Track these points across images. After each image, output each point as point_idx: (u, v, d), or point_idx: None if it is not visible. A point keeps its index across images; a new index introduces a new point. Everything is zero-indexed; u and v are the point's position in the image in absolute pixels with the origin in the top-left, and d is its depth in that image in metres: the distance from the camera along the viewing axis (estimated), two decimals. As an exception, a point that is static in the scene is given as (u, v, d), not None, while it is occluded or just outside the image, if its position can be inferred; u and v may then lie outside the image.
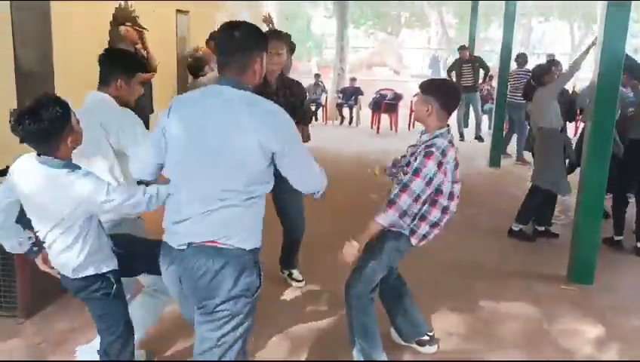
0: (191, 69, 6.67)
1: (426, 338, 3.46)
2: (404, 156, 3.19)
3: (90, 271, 2.49)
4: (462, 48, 11.38)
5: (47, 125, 2.24)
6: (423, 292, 4.14)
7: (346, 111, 13.68)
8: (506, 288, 4.43)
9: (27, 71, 5.14)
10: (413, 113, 12.92)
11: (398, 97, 12.86)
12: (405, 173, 2.92)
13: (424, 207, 2.95)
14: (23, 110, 2.26)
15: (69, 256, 2.44)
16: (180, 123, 2.20)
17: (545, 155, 5.42)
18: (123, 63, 2.91)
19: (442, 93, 2.97)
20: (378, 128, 12.43)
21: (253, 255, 2.22)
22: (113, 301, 2.58)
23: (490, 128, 11.36)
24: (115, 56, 2.97)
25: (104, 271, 2.53)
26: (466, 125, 12.19)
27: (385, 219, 2.83)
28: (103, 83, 2.86)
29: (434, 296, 4.16)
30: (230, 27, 2.27)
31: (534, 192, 5.52)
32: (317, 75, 14.40)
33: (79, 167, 2.37)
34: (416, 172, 2.81)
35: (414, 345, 3.46)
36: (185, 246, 2.18)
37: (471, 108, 11.58)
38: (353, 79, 14.34)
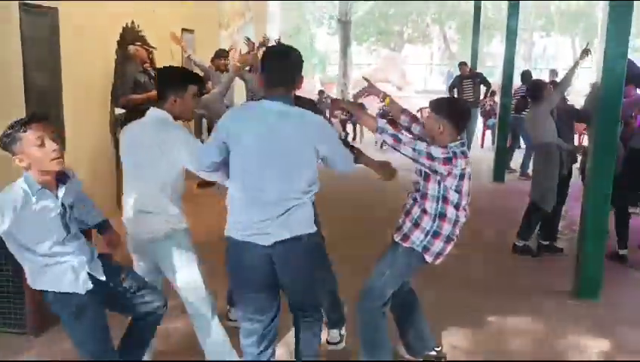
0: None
1: (434, 353, 3.47)
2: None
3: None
4: (462, 64, 11.43)
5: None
6: (429, 307, 4.15)
7: (349, 126, 13.75)
8: (512, 303, 4.43)
9: (36, 88, 5.20)
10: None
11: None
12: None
13: (435, 223, 3.01)
14: None
15: None
16: (247, 135, 2.56)
17: (537, 170, 5.48)
18: (173, 80, 3.01)
19: (454, 113, 3.03)
20: (382, 143, 12.47)
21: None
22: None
23: (493, 143, 11.41)
24: (165, 74, 3.13)
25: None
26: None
27: (380, 127, 2.99)
28: (160, 99, 2.99)
29: (440, 311, 4.17)
30: (281, 51, 2.73)
31: (531, 207, 5.54)
32: (321, 92, 14.49)
33: None
34: (427, 152, 2.92)
35: (421, 360, 3.47)
36: (273, 243, 2.59)
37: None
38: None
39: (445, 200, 2.99)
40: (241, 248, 2.64)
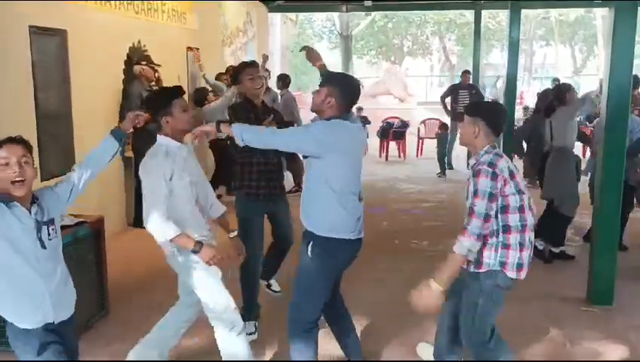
0: (196, 100, 7.43)
1: None
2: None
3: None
4: (465, 73, 11.36)
5: None
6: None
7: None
8: (526, 310, 4.43)
9: (47, 108, 5.26)
10: (421, 140, 13.03)
11: (405, 125, 12.97)
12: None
13: (500, 238, 2.84)
14: None
15: None
16: (343, 145, 2.96)
17: (557, 172, 5.46)
18: (155, 103, 3.12)
19: (490, 114, 3.00)
20: (387, 156, 12.52)
21: None
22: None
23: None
24: (149, 100, 3.29)
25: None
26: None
27: (461, 246, 2.74)
28: (156, 124, 3.09)
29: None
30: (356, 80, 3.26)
31: (554, 212, 5.53)
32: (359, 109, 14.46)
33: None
34: (475, 194, 2.76)
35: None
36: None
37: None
38: (360, 109, 14.44)
39: (504, 210, 2.82)
40: (353, 246, 3.06)
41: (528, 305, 4.53)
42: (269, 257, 4.38)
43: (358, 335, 3.54)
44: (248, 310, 3.98)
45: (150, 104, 3.17)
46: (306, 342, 3.10)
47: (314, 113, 3.13)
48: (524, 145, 9.53)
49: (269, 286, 4.52)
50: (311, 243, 3.02)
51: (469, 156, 10.88)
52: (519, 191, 2.84)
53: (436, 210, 7.88)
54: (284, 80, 9.08)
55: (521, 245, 2.86)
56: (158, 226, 2.92)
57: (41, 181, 5.15)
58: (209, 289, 3.10)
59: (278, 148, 3.13)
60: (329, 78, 3.11)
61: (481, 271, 2.88)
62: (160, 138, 3.09)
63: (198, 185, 3.17)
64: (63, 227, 3.90)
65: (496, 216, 2.81)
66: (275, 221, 4.21)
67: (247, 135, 2.93)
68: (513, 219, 2.82)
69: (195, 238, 2.98)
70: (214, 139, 5.14)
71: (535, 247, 5.46)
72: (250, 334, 3.82)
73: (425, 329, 4.07)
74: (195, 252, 2.94)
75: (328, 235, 2.98)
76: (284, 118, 4.56)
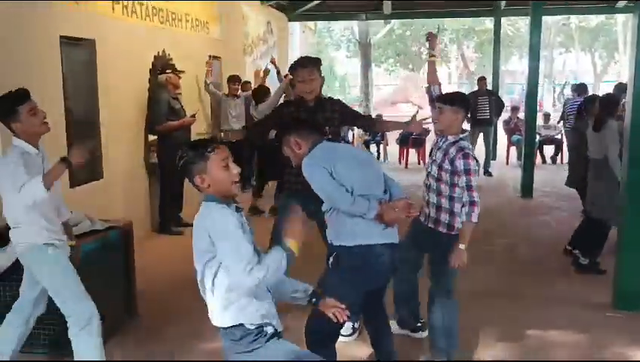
0: (256, 96, 7.71)
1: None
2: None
3: None
4: (481, 80, 11.37)
5: None
6: (469, 321, 4.18)
7: (373, 147, 13.81)
8: (552, 317, 4.42)
9: (76, 117, 5.38)
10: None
11: (424, 132, 12.95)
12: (434, 176, 3.46)
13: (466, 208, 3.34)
14: None
15: None
16: (343, 152, 3.12)
17: (606, 186, 5.24)
18: (2, 110, 3.19)
19: (467, 105, 3.54)
20: (406, 163, 12.53)
21: None
22: None
23: (519, 159, 11.37)
24: None
25: None
26: (494, 157, 12.24)
27: (476, 216, 3.28)
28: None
29: (479, 324, 4.20)
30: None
31: (596, 224, 5.39)
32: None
33: None
34: (468, 172, 3.30)
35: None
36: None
37: (480, 141, 11.03)
38: (379, 116, 14.49)
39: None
40: (386, 252, 3.02)
41: (553, 311, 4.53)
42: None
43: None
44: None
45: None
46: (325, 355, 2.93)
47: None
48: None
49: None
50: (338, 255, 3.00)
51: (486, 163, 10.93)
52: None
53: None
54: None
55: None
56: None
57: (70, 187, 5.28)
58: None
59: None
60: (281, 133, 3.22)
61: (453, 233, 3.41)
62: (15, 140, 3.15)
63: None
64: (93, 231, 4.04)
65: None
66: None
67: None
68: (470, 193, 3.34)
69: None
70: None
71: (580, 263, 5.44)
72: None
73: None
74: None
75: (354, 243, 2.95)
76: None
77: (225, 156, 2.31)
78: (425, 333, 3.86)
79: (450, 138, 3.44)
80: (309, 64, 4.10)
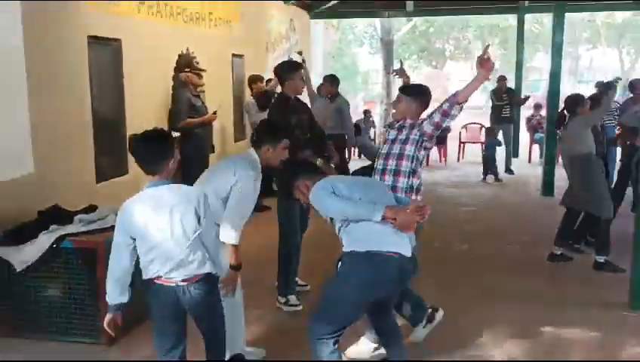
0: (261, 101, 7.57)
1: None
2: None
3: None
4: (501, 79, 11.38)
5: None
6: (484, 319, 4.24)
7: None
8: (567, 315, 4.45)
9: (102, 115, 5.54)
10: (463, 145, 13.01)
11: (446, 129, 12.92)
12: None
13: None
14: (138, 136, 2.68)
15: None
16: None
17: (588, 179, 5.46)
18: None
19: (424, 95, 3.88)
20: (428, 160, 12.49)
21: None
22: None
23: (541, 157, 11.31)
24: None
25: None
26: (516, 155, 12.20)
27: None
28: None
29: (494, 322, 4.25)
30: None
31: (593, 221, 5.54)
32: (366, 112, 14.60)
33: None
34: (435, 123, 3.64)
35: None
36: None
37: (501, 138, 11.05)
38: (367, 111, 14.49)
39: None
40: (394, 264, 3.00)
41: (568, 309, 4.55)
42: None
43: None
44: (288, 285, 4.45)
45: None
46: (325, 353, 3.04)
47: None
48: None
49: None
50: (346, 260, 3.04)
51: (507, 161, 10.89)
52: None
53: (476, 214, 7.89)
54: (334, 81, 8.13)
55: None
56: None
57: (97, 183, 5.45)
58: None
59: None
60: (290, 180, 3.41)
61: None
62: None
63: None
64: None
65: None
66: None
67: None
68: None
69: None
70: None
71: (597, 262, 5.50)
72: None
73: (462, 330, 4.15)
74: None
75: (364, 249, 2.96)
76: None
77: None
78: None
79: (408, 121, 3.80)
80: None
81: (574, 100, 5.79)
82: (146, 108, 6.25)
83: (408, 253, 3.01)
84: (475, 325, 4.22)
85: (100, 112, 5.50)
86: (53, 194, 4.55)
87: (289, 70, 4.63)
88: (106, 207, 4.28)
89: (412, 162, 3.67)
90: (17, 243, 3.89)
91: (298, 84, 4.60)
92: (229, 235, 3.14)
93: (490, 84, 12.95)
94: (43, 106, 4.66)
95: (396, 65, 4.69)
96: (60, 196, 4.55)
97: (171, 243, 2.64)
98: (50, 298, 3.92)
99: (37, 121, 4.58)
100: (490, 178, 10.37)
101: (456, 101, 3.52)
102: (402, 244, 2.99)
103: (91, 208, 4.38)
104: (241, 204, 3.20)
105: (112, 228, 4.01)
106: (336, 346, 3.04)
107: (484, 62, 3.47)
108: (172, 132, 6.67)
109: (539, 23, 27.40)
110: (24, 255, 3.86)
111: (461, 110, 3.57)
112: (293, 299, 4.51)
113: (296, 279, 4.75)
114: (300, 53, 7.77)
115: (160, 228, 2.64)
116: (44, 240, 3.86)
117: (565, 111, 5.95)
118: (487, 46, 3.81)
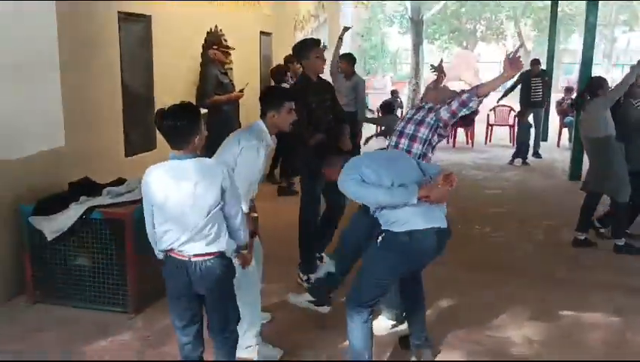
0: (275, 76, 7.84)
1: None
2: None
3: None
4: (534, 62, 11.17)
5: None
6: (506, 303, 4.27)
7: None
8: (587, 299, 4.45)
9: (132, 90, 5.64)
10: (491, 127, 12.88)
11: (474, 111, 12.80)
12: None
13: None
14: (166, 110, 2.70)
15: None
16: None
17: (607, 162, 5.44)
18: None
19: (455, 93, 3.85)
20: (454, 142, 12.44)
21: None
22: None
23: (570, 141, 11.15)
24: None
25: None
26: (545, 139, 12.04)
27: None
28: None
29: (516, 306, 4.28)
30: None
31: (596, 199, 5.67)
32: (394, 92, 14.54)
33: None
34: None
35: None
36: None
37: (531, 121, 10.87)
38: (394, 92, 14.38)
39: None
40: (425, 238, 3.08)
41: (589, 293, 4.55)
42: (322, 227, 4.71)
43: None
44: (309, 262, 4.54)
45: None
46: (359, 321, 3.16)
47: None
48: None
49: (320, 258, 4.75)
50: (385, 237, 3.11)
51: (536, 144, 10.76)
52: None
53: (500, 197, 7.86)
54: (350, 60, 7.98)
55: None
56: None
57: (126, 157, 5.58)
58: None
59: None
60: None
61: None
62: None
63: None
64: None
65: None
66: (330, 188, 4.32)
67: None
68: None
69: None
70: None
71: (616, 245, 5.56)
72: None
73: (482, 310, 4.19)
74: None
75: (400, 230, 3.03)
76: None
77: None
78: None
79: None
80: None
81: (598, 83, 5.67)
82: (174, 84, 6.33)
83: (444, 225, 3.11)
84: (495, 306, 4.26)
85: (129, 88, 5.60)
86: (83, 168, 4.67)
87: (304, 49, 4.56)
88: (134, 180, 4.39)
89: (423, 145, 3.68)
90: (49, 214, 4.03)
91: (316, 63, 4.52)
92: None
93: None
94: (74, 82, 4.76)
95: (435, 63, 4.60)
96: (89, 169, 4.67)
97: (189, 216, 2.66)
98: (79, 267, 4.05)
99: (68, 96, 4.69)
100: (518, 161, 10.29)
101: (477, 93, 3.51)
102: (438, 218, 3.08)
103: (120, 181, 4.51)
104: (245, 171, 3.21)
105: (140, 200, 4.18)
106: (371, 316, 3.18)
107: (514, 62, 3.40)
108: (200, 108, 6.80)
109: (573, 4, 26.72)
110: (55, 224, 3.99)
111: (480, 103, 3.56)
112: (314, 277, 4.57)
113: (322, 255, 4.80)
114: (346, 28, 7.64)
115: (180, 201, 2.66)
116: (74, 211, 3.99)
117: (586, 93, 5.81)
118: (521, 45, 3.76)
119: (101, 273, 4.01)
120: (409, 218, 3.01)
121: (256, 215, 3.68)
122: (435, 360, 3.52)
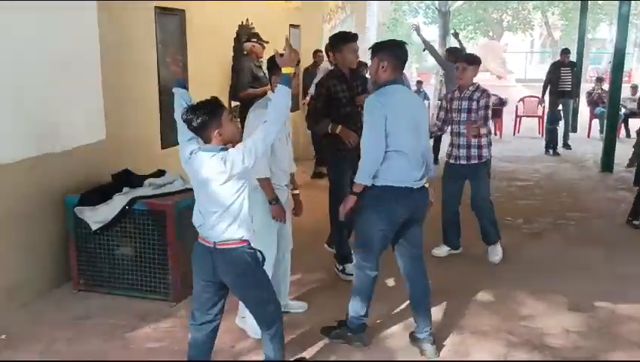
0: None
1: None
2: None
3: None
4: (564, 52, 11.02)
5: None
6: (542, 294, 4.29)
7: (448, 117, 13.71)
8: (622, 291, 4.43)
9: (167, 83, 5.73)
10: (519, 118, 12.77)
11: (502, 103, 12.71)
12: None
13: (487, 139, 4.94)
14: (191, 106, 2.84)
15: None
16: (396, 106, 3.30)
17: None
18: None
19: (479, 63, 4.85)
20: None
21: None
22: None
23: (601, 132, 11.03)
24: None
25: None
26: (574, 130, 11.92)
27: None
28: None
29: (553, 297, 4.30)
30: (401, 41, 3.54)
31: None
32: (419, 82, 14.50)
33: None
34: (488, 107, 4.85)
35: None
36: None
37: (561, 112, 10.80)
38: (420, 82, 14.32)
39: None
40: (408, 195, 3.33)
41: (624, 285, 4.54)
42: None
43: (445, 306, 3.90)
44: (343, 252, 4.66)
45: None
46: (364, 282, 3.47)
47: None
48: None
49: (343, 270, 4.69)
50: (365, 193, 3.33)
51: (565, 135, 10.66)
52: None
53: (531, 189, 7.82)
54: None
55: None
56: None
57: (162, 149, 5.69)
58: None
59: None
60: (375, 49, 3.42)
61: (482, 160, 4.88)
62: None
63: None
64: (186, 190, 4.32)
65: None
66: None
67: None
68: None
69: None
70: None
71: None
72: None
73: (516, 300, 4.21)
74: None
75: (376, 183, 3.29)
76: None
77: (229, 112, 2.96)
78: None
79: (471, 88, 4.77)
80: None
81: None
82: (207, 77, 6.42)
83: (417, 185, 3.34)
84: (529, 297, 4.28)
85: (165, 81, 5.70)
86: (123, 160, 4.78)
87: (336, 43, 4.56)
88: (174, 173, 4.49)
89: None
90: (93, 204, 4.15)
91: (347, 57, 4.48)
92: (256, 170, 3.24)
93: (550, 59, 12.60)
94: (114, 76, 4.88)
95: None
96: (128, 162, 4.79)
97: (207, 205, 2.77)
98: (122, 256, 4.17)
99: (108, 90, 4.80)
100: (549, 152, 10.23)
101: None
102: (411, 179, 3.32)
103: (160, 173, 4.61)
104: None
105: (180, 192, 4.30)
106: (375, 273, 3.45)
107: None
108: (231, 101, 6.88)
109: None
110: (99, 215, 4.11)
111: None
112: (349, 267, 4.57)
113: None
114: (455, 34, 7.81)
115: (200, 190, 2.80)
116: (117, 202, 4.11)
117: None
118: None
119: (143, 262, 4.12)
120: (389, 175, 3.26)
121: (297, 192, 3.82)
122: (454, 359, 3.54)
